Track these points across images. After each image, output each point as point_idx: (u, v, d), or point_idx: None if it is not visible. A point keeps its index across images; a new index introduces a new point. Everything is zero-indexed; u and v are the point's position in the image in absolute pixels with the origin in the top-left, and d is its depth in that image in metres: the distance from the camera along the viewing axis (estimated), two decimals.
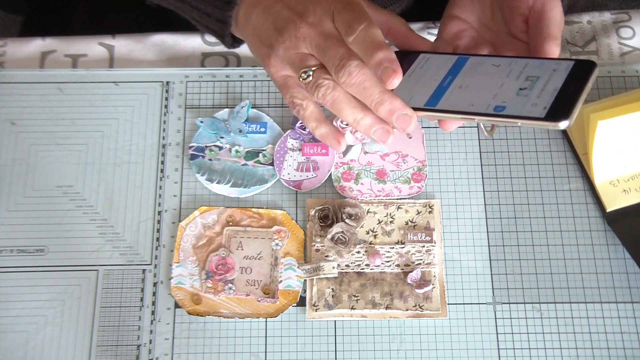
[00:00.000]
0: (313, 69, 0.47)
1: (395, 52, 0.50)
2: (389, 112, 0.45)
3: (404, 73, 0.46)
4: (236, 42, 0.58)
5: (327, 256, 0.57)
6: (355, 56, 0.45)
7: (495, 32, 0.53)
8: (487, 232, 0.58)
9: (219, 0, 0.53)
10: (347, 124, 0.59)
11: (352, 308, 0.55)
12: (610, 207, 0.57)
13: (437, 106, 0.46)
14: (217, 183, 0.59)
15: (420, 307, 0.55)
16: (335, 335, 0.55)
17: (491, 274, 0.57)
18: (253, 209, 0.59)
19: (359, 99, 0.46)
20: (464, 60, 0.48)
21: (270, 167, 0.60)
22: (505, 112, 0.43)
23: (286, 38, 0.48)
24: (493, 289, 0.56)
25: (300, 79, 0.47)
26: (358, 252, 0.57)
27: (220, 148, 0.61)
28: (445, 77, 0.47)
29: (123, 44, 0.66)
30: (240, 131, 0.61)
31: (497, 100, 0.44)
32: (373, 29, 0.45)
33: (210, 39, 0.66)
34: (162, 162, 0.60)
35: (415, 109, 0.46)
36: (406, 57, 0.50)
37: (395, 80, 0.45)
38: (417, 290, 0.55)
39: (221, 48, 0.66)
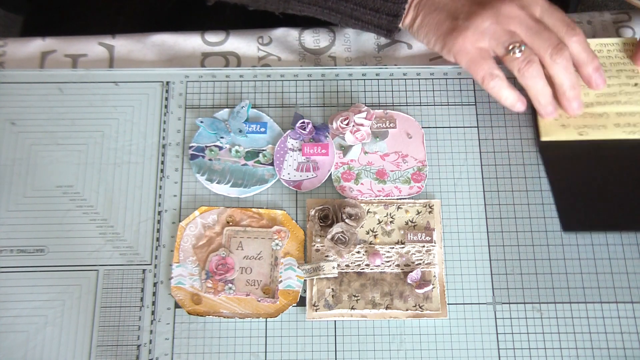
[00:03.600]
0: (523, 46, 0.55)
1: None
2: (576, 95, 0.57)
3: None
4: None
5: (327, 256, 0.57)
6: (565, 45, 0.55)
7: None
8: (487, 232, 0.58)
9: None
10: (347, 124, 0.60)
11: (352, 308, 0.55)
12: (544, 137, 0.59)
13: None
14: (217, 183, 0.59)
15: (420, 307, 0.55)
16: (335, 335, 0.55)
17: (491, 274, 0.57)
18: (253, 209, 0.59)
19: (555, 78, 0.56)
20: None
21: (270, 167, 0.60)
22: None
23: (491, 13, 0.55)
24: (493, 289, 0.56)
25: (511, 53, 0.55)
26: (358, 252, 0.57)
27: (220, 148, 0.61)
28: None
29: (123, 44, 0.66)
30: (240, 131, 0.61)
31: None
32: (584, 37, 0.56)
33: (211, 38, 0.66)
34: (162, 162, 0.60)
35: None
36: None
37: (603, 87, 0.58)
38: (417, 290, 0.55)
39: (221, 48, 0.66)
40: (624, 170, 0.57)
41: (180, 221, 0.58)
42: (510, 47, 0.55)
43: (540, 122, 0.59)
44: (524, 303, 0.56)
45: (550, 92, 0.57)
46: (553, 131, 0.58)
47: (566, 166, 0.58)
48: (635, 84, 0.58)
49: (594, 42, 0.61)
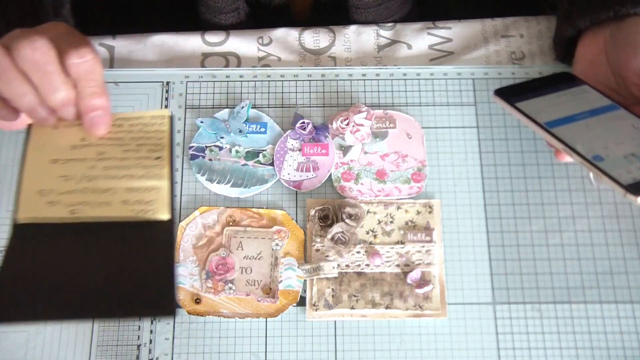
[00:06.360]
0: None
1: (566, 72, 0.55)
2: (64, 102, 0.43)
3: (560, 90, 0.52)
4: None
5: (327, 256, 0.57)
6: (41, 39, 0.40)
7: (624, 96, 0.53)
8: (487, 232, 0.58)
9: None
10: (347, 124, 0.60)
11: (352, 308, 0.55)
12: (23, 215, 0.43)
13: (552, 129, 0.49)
14: (217, 183, 0.59)
15: (420, 307, 0.55)
16: (335, 335, 0.55)
17: (491, 274, 0.57)
18: (253, 209, 0.59)
19: (33, 78, 0.41)
20: (613, 108, 0.51)
21: (270, 167, 0.60)
22: (597, 163, 0.46)
23: None
24: (493, 289, 0.56)
25: None
26: (358, 252, 0.57)
27: (221, 148, 0.61)
28: (584, 112, 0.50)
29: (123, 45, 0.66)
30: (240, 131, 0.61)
31: (603, 152, 0.46)
32: (100, 66, 0.42)
33: (211, 39, 0.66)
34: None
35: (534, 121, 0.50)
36: (571, 80, 0.54)
37: (102, 132, 0.45)
38: (417, 290, 0.55)
39: (221, 48, 0.66)
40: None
41: (180, 221, 0.58)
42: None
43: (21, 194, 0.44)
44: (524, 303, 0.56)
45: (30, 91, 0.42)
46: (36, 208, 0.43)
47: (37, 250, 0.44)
48: (158, 157, 0.48)
49: (114, 117, 0.49)
